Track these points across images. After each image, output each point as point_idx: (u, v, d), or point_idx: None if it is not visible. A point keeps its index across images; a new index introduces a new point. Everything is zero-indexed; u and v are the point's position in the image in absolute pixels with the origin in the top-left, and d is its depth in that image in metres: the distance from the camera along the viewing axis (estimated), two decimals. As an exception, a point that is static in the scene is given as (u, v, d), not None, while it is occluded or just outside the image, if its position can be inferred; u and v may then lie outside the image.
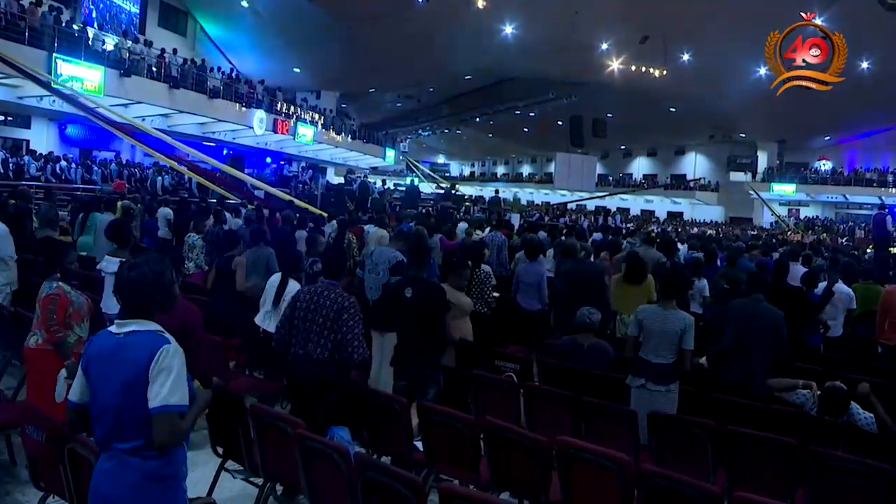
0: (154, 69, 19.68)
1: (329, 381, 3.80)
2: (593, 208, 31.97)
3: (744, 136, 36.54)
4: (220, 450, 3.91)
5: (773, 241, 19.19)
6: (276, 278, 5.40)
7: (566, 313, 6.39)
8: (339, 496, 3.08)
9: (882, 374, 5.47)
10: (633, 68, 28.12)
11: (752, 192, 35.48)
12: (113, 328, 2.38)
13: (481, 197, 31.42)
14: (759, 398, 4.47)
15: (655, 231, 20.45)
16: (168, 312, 2.48)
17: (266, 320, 5.36)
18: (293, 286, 5.30)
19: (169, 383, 2.26)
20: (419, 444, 4.06)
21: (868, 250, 16.92)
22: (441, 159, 56.77)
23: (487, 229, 12.36)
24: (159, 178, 19.74)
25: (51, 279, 4.20)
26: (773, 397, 4.41)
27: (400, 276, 5.51)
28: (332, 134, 30.39)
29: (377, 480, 2.87)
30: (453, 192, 24.09)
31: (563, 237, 10.93)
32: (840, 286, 7.21)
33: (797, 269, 7.98)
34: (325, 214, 12.60)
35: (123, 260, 3.42)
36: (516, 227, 15.86)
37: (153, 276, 2.37)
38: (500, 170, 55.64)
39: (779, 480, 3.51)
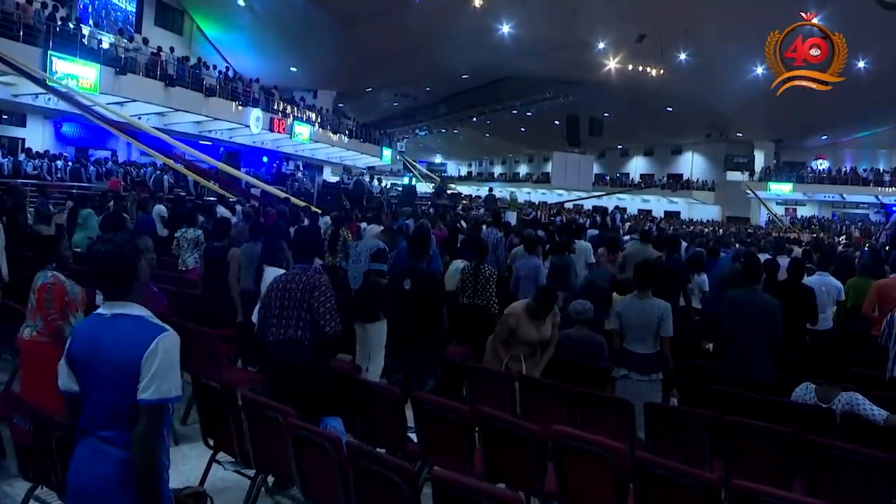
0: (149, 67, 19.57)
1: (307, 364, 3.78)
2: (590, 208, 31.94)
3: (741, 135, 36.57)
4: (210, 441, 3.88)
5: (772, 237, 19.13)
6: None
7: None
8: (330, 485, 3.05)
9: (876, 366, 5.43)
10: (630, 67, 28.12)
11: (748, 191, 35.53)
12: (101, 310, 2.27)
13: (478, 197, 31.39)
14: (759, 388, 4.43)
15: (650, 227, 20.34)
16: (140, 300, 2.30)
17: None
18: (270, 273, 5.23)
19: (171, 373, 2.15)
20: (413, 437, 4.02)
21: (864, 248, 16.88)
22: (438, 159, 56.69)
23: (484, 227, 12.29)
24: (165, 176, 19.42)
25: (46, 269, 4.15)
26: (772, 388, 4.38)
27: (379, 263, 5.55)
28: (329, 133, 30.32)
29: (369, 469, 2.84)
30: (446, 190, 23.90)
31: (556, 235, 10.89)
32: (829, 279, 7.17)
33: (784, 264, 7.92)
34: (318, 210, 12.57)
35: None
36: (513, 225, 15.79)
37: (129, 251, 2.24)
38: (497, 169, 55.58)
39: (776, 470, 3.48)
